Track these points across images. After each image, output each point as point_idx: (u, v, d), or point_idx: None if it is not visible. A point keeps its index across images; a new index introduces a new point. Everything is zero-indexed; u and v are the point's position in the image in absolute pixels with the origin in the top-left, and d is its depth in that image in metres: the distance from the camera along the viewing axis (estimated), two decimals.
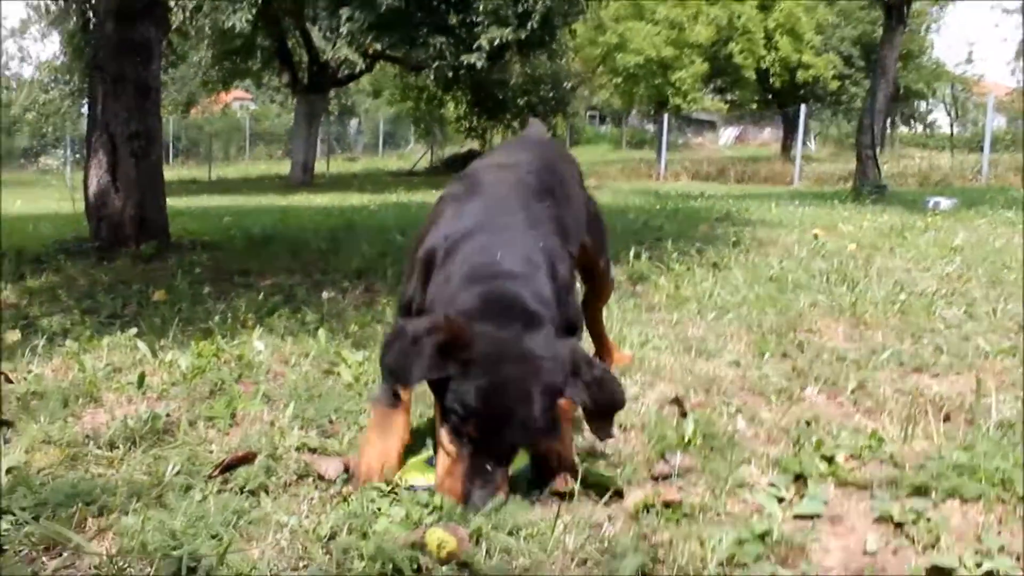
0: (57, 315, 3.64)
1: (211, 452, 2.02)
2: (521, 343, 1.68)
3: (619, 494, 1.79)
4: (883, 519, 1.68)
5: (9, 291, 4.37)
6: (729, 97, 34.08)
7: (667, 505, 1.70)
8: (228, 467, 1.89)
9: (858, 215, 8.32)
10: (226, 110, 43.31)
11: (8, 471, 1.86)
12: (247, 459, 1.93)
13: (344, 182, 23.95)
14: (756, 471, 1.93)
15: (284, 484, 1.84)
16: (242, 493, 1.79)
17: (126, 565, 1.48)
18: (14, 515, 1.63)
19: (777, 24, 29.67)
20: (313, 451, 2.03)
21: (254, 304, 3.89)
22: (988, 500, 1.71)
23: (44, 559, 1.52)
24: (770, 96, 32.71)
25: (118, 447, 2.03)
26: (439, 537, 1.50)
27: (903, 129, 38.03)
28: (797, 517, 1.70)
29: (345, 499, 1.74)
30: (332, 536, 1.58)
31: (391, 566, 1.45)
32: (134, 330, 3.23)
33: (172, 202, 6.98)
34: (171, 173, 18.55)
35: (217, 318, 3.54)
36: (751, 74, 30.24)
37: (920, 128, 37.85)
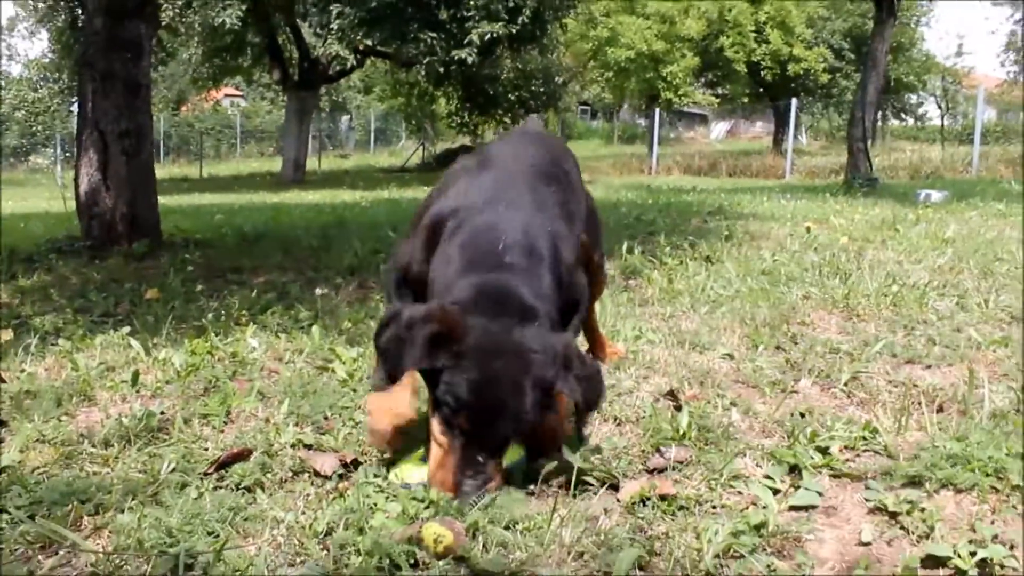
0: (50, 314, 3.63)
1: (206, 449, 2.02)
2: (513, 336, 1.69)
3: (615, 487, 1.80)
4: (877, 510, 1.69)
5: (1, 290, 4.36)
6: (720, 91, 34.10)
7: (663, 498, 1.70)
8: (223, 464, 1.89)
9: (850, 208, 8.34)
10: (217, 107, 43.18)
11: (3, 470, 1.86)
12: (242, 456, 1.93)
13: (336, 179, 23.91)
14: (751, 463, 1.93)
15: (280, 480, 1.84)
16: (238, 490, 1.79)
17: (122, 563, 1.47)
18: (10, 514, 1.63)
19: (768, 17, 29.71)
20: (308, 447, 2.02)
21: (247, 301, 3.88)
22: (982, 490, 1.72)
23: (40, 557, 1.52)
24: (761, 90, 32.76)
25: (113, 445, 2.03)
26: (435, 532, 1.50)
27: (894, 122, 38.12)
28: (792, 508, 1.71)
29: (341, 495, 1.74)
30: (329, 532, 1.58)
31: (388, 561, 1.46)
32: (127, 328, 3.22)
33: (163, 200, 6.95)
34: (162, 171, 18.47)
35: (210, 316, 3.54)
36: (742, 68, 30.27)
37: (911, 121, 37.95)
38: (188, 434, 2.12)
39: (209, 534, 1.56)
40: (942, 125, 33.81)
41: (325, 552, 1.51)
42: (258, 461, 1.89)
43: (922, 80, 34.29)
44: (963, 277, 4.17)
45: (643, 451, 2.00)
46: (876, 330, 3.18)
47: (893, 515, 1.65)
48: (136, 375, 2.59)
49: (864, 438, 2.03)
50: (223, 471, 1.87)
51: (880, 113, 31.33)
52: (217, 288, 4.37)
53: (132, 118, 5.87)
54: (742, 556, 1.49)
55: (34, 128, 35.77)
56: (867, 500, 1.73)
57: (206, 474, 1.86)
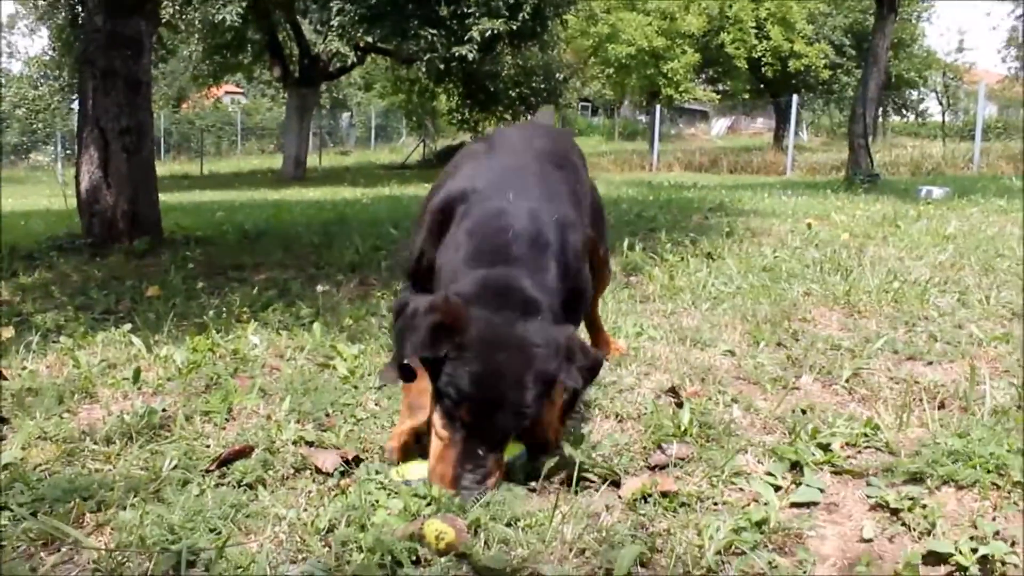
0: (51, 312, 3.63)
1: (208, 446, 2.02)
2: (516, 329, 1.69)
3: (616, 484, 1.80)
4: (879, 506, 1.69)
5: (2, 288, 4.36)
6: (721, 87, 34.07)
7: (664, 494, 1.71)
8: (225, 461, 1.89)
9: (851, 204, 8.33)
10: (217, 104, 43.15)
11: (5, 467, 1.86)
12: (244, 453, 1.93)
13: (336, 176, 23.90)
14: (752, 460, 1.93)
15: (281, 477, 1.85)
16: (240, 487, 1.79)
17: (125, 560, 1.48)
18: (12, 511, 1.64)
19: (768, 13, 29.64)
20: (310, 444, 2.03)
21: (248, 298, 3.88)
22: (983, 486, 1.72)
23: (43, 554, 1.52)
24: (762, 86, 32.72)
25: (115, 442, 2.03)
26: (437, 528, 1.50)
27: (895, 118, 38.08)
28: (793, 505, 1.72)
29: (343, 491, 1.74)
30: (330, 529, 1.58)
31: (390, 558, 1.46)
32: (128, 326, 3.22)
33: (164, 197, 6.95)
34: (163, 168, 18.50)
35: (212, 313, 3.54)
36: (743, 64, 30.22)
37: (912, 117, 37.89)
38: (190, 431, 2.12)
39: (211, 531, 1.57)
40: (943, 121, 33.75)
41: (327, 549, 1.52)
42: (260, 458, 1.89)
43: (923, 76, 34.24)
44: (964, 273, 4.17)
45: (644, 448, 2.00)
46: (877, 326, 3.18)
47: (894, 512, 1.65)
48: (137, 372, 2.59)
49: (865, 435, 2.04)
50: (225, 468, 1.87)
51: (881, 109, 31.30)
52: (218, 285, 4.38)
53: (133, 115, 5.87)
54: (743, 553, 1.49)
55: (35, 126, 35.77)
56: (868, 497, 1.73)
57: (208, 471, 1.86)
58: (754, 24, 29.73)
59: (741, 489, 1.78)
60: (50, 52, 29.08)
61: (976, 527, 1.56)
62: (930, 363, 2.72)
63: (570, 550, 1.51)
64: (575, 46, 31.13)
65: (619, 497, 1.74)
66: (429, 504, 1.65)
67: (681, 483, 1.78)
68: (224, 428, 2.18)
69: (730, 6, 29.72)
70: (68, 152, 30.70)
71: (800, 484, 1.78)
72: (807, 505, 1.72)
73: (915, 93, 36.18)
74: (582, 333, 2.83)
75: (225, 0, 19.74)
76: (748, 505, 1.68)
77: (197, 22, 21.11)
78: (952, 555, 1.46)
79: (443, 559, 1.47)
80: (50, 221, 8.68)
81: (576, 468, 1.78)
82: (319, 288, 4.08)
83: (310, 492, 1.77)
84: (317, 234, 6.47)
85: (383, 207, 9.98)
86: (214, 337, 3.03)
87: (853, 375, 2.55)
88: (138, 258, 5.41)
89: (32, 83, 34.73)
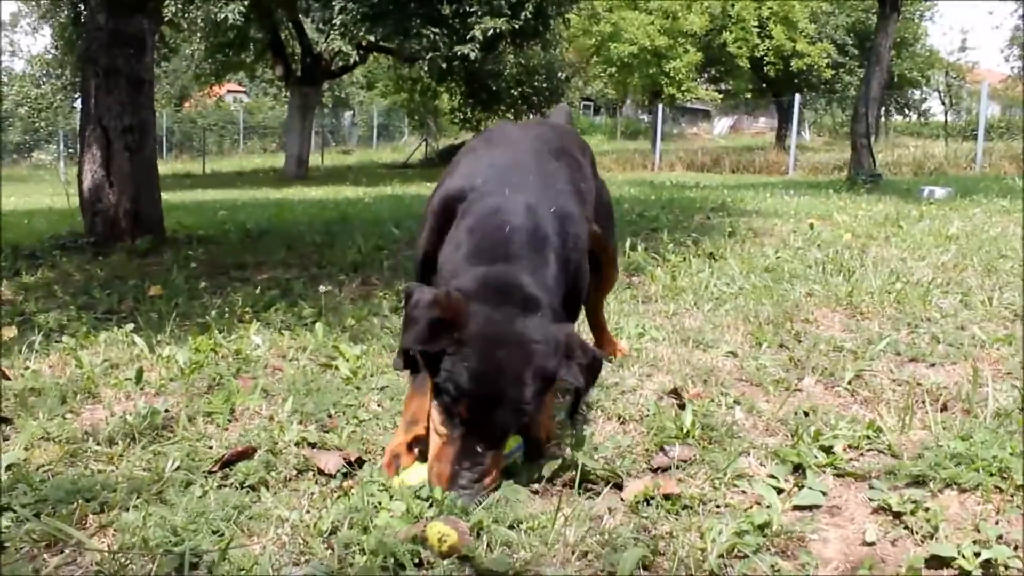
0: (53, 311, 3.63)
1: (210, 447, 2.02)
2: (515, 326, 1.69)
3: (619, 486, 1.80)
4: (881, 509, 1.69)
5: (5, 287, 4.36)
6: (723, 87, 34.04)
7: (667, 497, 1.70)
8: (228, 462, 1.89)
9: (853, 204, 8.33)
10: (219, 103, 43.20)
11: (8, 468, 1.86)
12: (247, 454, 1.93)
13: (338, 175, 23.91)
14: (755, 462, 1.93)
15: (284, 479, 1.85)
16: (242, 488, 1.79)
17: (128, 561, 1.48)
18: (15, 512, 1.64)
19: (771, 13, 29.63)
20: (312, 446, 2.03)
21: (251, 298, 3.89)
22: (986, 489, 1.72)
23: (45, 556, 1.52)
24: (764, 85, 32.68)
25: (117, 443, 2.03)
26: (440, 531, 1.50)
27: (897, 118, 38.04)
28: (796, 508, 1.71)
29: (346, 493, 1.74)
30: (333, 531, 1.58)
31: (392, 560, 1.46)
32: (131, 325, 3.22)
33: (166, 196, 6.96)
34: (165, 167, 18.49)
35: (214, 313, 3.54)
36: (745, 63, 30.20)
37: (914, 116, 37.84)
38: (192, 432, 2.12)
39: (214, 533, 1.57)
40: (946, 121, 33.70)
41: (329, 551, 1.52)
42: (262, 459, 1.89)
43: (926, 76, 34.19)
44: (967, 274, 4.16)
45: (647, 450, 2.00)
46: (880, 328, 3.18)
47: (897, 515, 1.65)
48: (140, 372, 2.59)
49: (868, 437, 2.03)
50: (227, 469, 1.87)
51: (883, 109, 31.22)
52: (220, 285, 4.38)
53: (135, 114, 5.87)
54: (746, 556, 1.49)
55: (37, 124, 35.83)
56: (871, 500, 1.73)
57: (210, 472, 1.86)
58: (756, 23, 29.70)
59: (743, 492, 1.78)
60: (52, 50, 29.15)
61: (979, 531, 1.56)
62: (933, 365, 2.72)
63: (572, 553, 1.51)
64: (577, 45, 31.13)
65: (621, 499, 1.74)
66: (432, 506, 1.65)
67: (683, 485, 1.78)
68: (227, 429, 2.18)
69: (732, 5, 29.70)
70: (71, 151, 30.74)
71: (802, 487, 1.78)
72: (809, 508, 1.71)
73: (918, 93, 36.13)
74: (584, 334, 2.83)
75: None
76: (750, 508, 1.68)
77: (199, 20, 21.14)
78: (955, 559, 1.46)
79: (446, 562, 1.47)
80: (52, 220, 8.69)
81: (579, 470, 1.78)
82: (321, 288, 4.08)
83: (313, 494, 1.77)
84: (319, 233, 6.47)
85: (385, 206, 9.99)
86: (216, 337, 3.03)
87: (855, 377, 2.55)
88: (140, 257, 5.41)
89: (35, 81, 34.81)
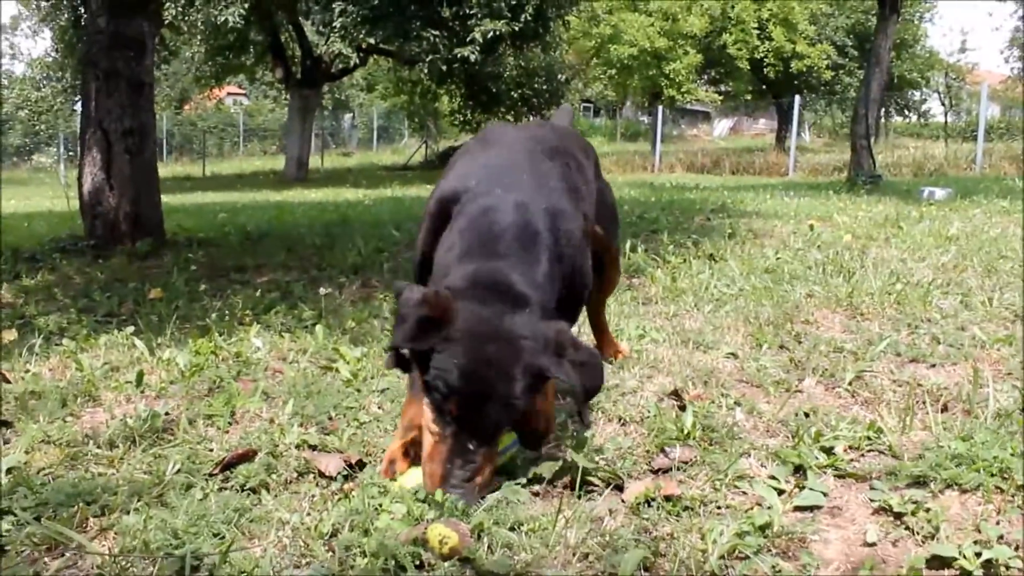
0: (54, 314, 3.63)
1: (211, 450, 2.02)
2: (503, 322, 1.70)
3: (619, 488, 1.80)
4: (882, 510, 1.69)
5: (5, 290, 4.37)
6: (723, 88, 34.05)
7: (667, 498, 1.70)
8: (228, 465, 1.89)
9: (853, 205, 8.33)
10: (219, 106, 43.21)
11: (8, 471, 1.86)
12: (247, 457, 1.93)
13: (338, 177, 23.91)
14: (755, 463, 1.93)
15: (285, 481, 1.85)
16: (243, 491, 1.79)
17: (129, 564, 1.48)
18: (15, 515, 1.64)
19: (771, 14, 29.64)
20: (313, 448, 2.03)
21: (251, 301, 3.89)
22: (986, 490, 1.72)
23: (46, 559, 1.52)
24: (764, 87, 32.70)
25: (118, 446, 2.03)
26: (441, 533, 1.50)
27: (897, 119, 38.04)
28: (797, 509, 1.71)
29: (346, 496, 1.74)
30: (334, 533, 1.58)
31: (393, 563, 1.46)
32: (131, 328, 3.22)
33: (166, 199, 6.96)
34: (165, 170, 18.50)
35: (214, 315, 3.54)
36: (745, 65, 30.21)
37: (914, 118, 37.84)
38: (193, 435, 2.12)
39: (215, 535, 1.57)
40: (946, 122, 33.70)
41: (330, 553, 1.52)
42: (263, 462, 1.89)
43: (925, 77, 34.20)
44: (967, 275, 4.16)
45: (647, 451, 2.00)
46: (880, 329, 3.18)
47: (898, 515, 1.65)
48: (140, 375, 2.59)
49: (868, 438, 2.03)
50: (228, 472, 1.87)
51: (883, 110, 31.21)
52: (221, 287, 4.38)
53: (135, 117, 5.88)
54: (747, 557, 1.49)
55: (37, 127, 35.84)
56: (872, 500, 1.73)
57: (211, 475, 1.86)
58: (756, 25, 29.71)
59: (744, 493, 1.78)
60: (53, 54, 29.15)
61: (980, 531, 1.56)
62: (933, 366, 2.71)
63: (573, 554, 1.51)
64: (577, 47, 31.14)
65: (622, 501, 1.74)
66: (432, 508, 1.65)
67: (684, 487, 1.78)
68: (227, 432, 2.18)
69: (732, 7, 29.71)
70: (71, 154, 30.76)
71: (803, 488, 1.78)
72: (810, 509, 1.71)
73: (917, 94, 36.15)
74: (586, 336, 2.83)
75: (228, 1, 19.76)
76: (751, 509, 1.68)
77: (199, 23, 21.14)
78: (956, 559, 1.46)
79: (447, 564, 1.47)
80: (53, 223, 8.69)
81: (579, 472, 1.78)
82: (321, 290, 4.08)
83: (313, 496, 1.77)
84: (319, 236, 6.47)
85: (385, 208, 9.99)
86: (217, 340, 3.03)
87: (856, 378, 2.55)
88: (140, 260, 5.41)
89: (35, 84, 34.81)
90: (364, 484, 1.77)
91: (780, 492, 1.76)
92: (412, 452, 1.86)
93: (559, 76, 28.45)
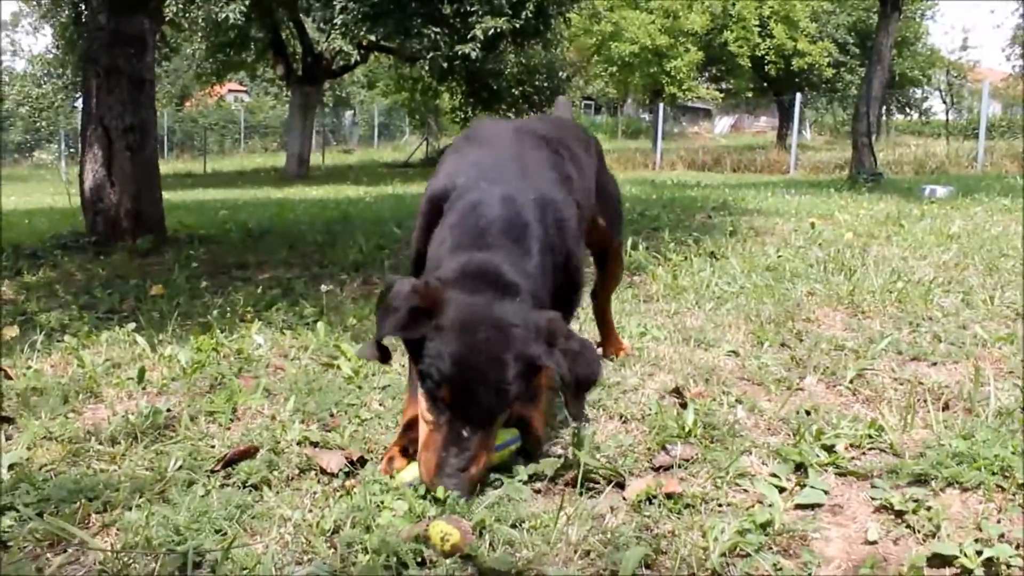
0: (55, 311, 3.64)
1: (213, 447, 2.02)
2: (493, 310, 1.71)
3: (621, 485, 1.80)
4: (883, 508, 1.69)
5: (6, 287, 4.37)
6: (724, 86, 34.02)
7: (669, 496, 1.70)
8: (230, 462, 1.89)
9: (854, 203, 8.32)
10: (220, 103, 43.18)
11: (10, 467, 1.87)
12: (249, 453, 1.93)
13: (339, 174, 23.91)
14: (757, 461, 1.93)
15: (286, 478, 1.85)
16: (245, 487, 1.79)
17: (131, 561, 1.48)
18: (17, 511, 1.64)
19: (772, 12, 29.60)
20: (315, 445, 2.03)
21: (252, 298, 3.89)
22: (988, 488, 1.72)
23: (48, 555, 1.52)
24: (765, 84, 32.68)
25: (120, 442, 2.03)
26: (442, 530, 1.50)
27: (898, 117, 38.00)
28: (798, 507, 1.71)
29: (348, 492, 1.75)
30: (336, 530, 1.59)
31: (395, 559, 1.46)
32: (132, 325, 3.23)
33: (167, 196, 6.96)
34: (166, 167, 18.47)
35: (215, 312, 3.54)
36: (746, 62, 30.18)
37: (915, 115, 37.81)
38: (194, 431, 2.13)
39: (217, 532, 1.57)
40: (947, 120, 33.69)
41: (332, 550, 1.52)
42: (264, 459, 1.90)
43: (927, 74, 34.16)
44: (968, 273, 4.16)
45: (649, 449, 2.00)
46: (881, 327, 3.18)
47: (899, 513, 1.65)
48: (142, 372, 2.60)
49: (870, 436, 2.03)
50: (230, 469, 1.87)
51: (884, 108, 31.14)
52: (222, 284, 4.38)
53: (136, 113, 5.88)
54: (748, 555, 1.49)
55: (38, 124, 35.85)
56: (873, 498, 1.73)
57: (213, 471, 1.86)
58: (757, 22, 29.69)
59: (745, 491, 1.78)
60: (53, 50, 29.18)
61: (981, 529, 1.56)
62: (934, 364, 2.71)
63: (575, 552, 1.51)
64: (578, 44, 31.11)
65: (624, 498, 1.74)
66: (434, 505, 1.65)
67: (685, 484, 1.78)
68: (229, 428, 2.18)
69: (733, 4, 29.68)
70: (72, 150, 30.72)
71: (804, 486, 1.78)
72: (811, 507, 1.71)
73: (919, 91, 36.11)
74: (587, 334, 2.83)
75: None
76: (752, 507, 1.68)
77: (200, 20, 21.14)
78: (957, 557, 1.46)
79: (448, 560, 1.47)
80: (54, 219, 8.69)
81: (580, 469, 1.78)
82: (323, 287, 4.08)
83: (315, 493, 1.77)
84: (320, 233, 6.47)
85: (386, 206, 9.99)
86: (218, 337, 3.04)
87: (857, 376, 2.55)
88: (142, 257, 5.41)
89: (36, 81, 34.84)
90: (366, 481, 1.78)
91: (781, 490, 1.76)
92: (411, 450, 1.87)
93: (560, 73, 28.45)
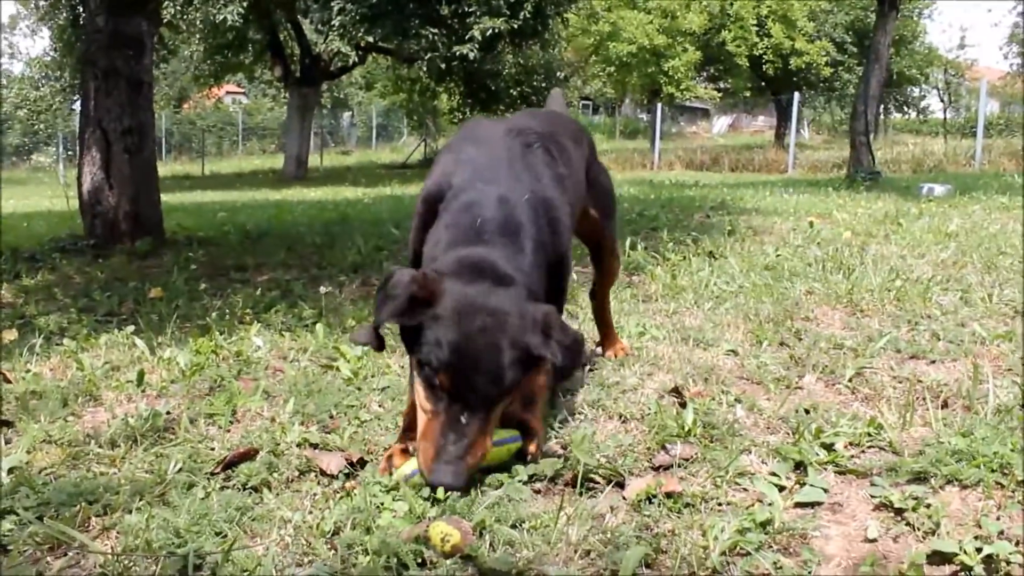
0: (54, 314, 3.64)
1: (212, 449, 2.02)
2: (489, 299, 1.74)
3: (620, 485, 1.80)
4: (883, 506, 1.69)
5: (5, 290, 4.37)
6: (722, 85, 34.04)
7: (669, 495, 1.71)
8: (230, 464, 1.89)
9: (852, 202, 8.33)
10: (218, 104, 43.20)
11: (10, 471, 1.86)
12: (249, 455, 1.93)
13: (338, 175, 23.91)
14: (756, 460, 1.93)
15: (286, 480, 1.85)
16: (245, 490, 1.79)
17: (131, 564, 1.48)
18: (17, 515, 1.64)
19: (769, 11, 29.63)
20: (314, 447, 2.03)
21: (251, 300, 3.89)
22: (987, 485, 1.72)
23: (49, 559, 1.52)
24: (763, 84, 32.70)
25: (119, 445, 2.03)
26: (443, 530, 1.50)
27: (896, 115, 38.03)
28: (798, 505, 1.71)
29: (348, 494, 1.75)
30: (336, 531, 1.59)
31: (395, 560, 1.46)
32: (132, 328, 3.22)
33: (166, 198, 6.96)
34: (164, 169, 18.50)
35: (215, 314, 3.54)
36: (744, 62, 30.20)
37: (913, 114, 37.83)
38: (194, 434, 2.13)
39: (217, 534, 1.57)
40: (945, 118, 33.70)
41: (333, 552, 1.52)
42: (264, 461, 1.90)
43: (925, 73, 34.18)
44: (967, 271, 4.17)
45: (648, 448, 2.00)
46: (880, 325, 3.18)
47: (899, 511, 1.65)
48: (141, 375, 2.59)
49: (869, 434, 2.03)
50: (230, 471, 1.87)
51: (882, 107, 31.19)
52: (221, 286, 4.38)
53: (134, 115, 5.88)
54: (748, 553, 1.50)
55: (36, 126, 35.83)
56: (872, 496, 1.73)
57: (213, 474, 1.86)
58: (755, 22, 29.71)
59: (745, 489, 1.78)
60: (51, 53, 29.16)
61: (980, 526, 1.56)
62: (933, 362, 2.72)
63: (575, 551, 1.51)
64: (576, 44, 31.12)
65: (623, 498, 1.74)
66: (434, 506, 1.65)
67: (685, 484, 1.79)
68: (228, 431, 2.18)
69: (731, 4, 29.70)
70: (70, 153, 30.75)
71: (804, 484, 1.78)
72: (811, 505, 1.71)
73: (917, 90, 36.10)
74: (586, 333, 2.83)
75: (226, 0, 19.75)
76: (752, 505, 1.68)
77: (198, 22, 21.15)
78: (956, 555, 1.46)
79: (449, 561, 1.47)
80: (52, 222, 8.69)
81: (580, 469, 1.78)
82: (322, 289, 4.08)
83: (315, 495, 1.77)
84: (319, 234, 6.47)
85: (385, 207, 9.99)
86: (217, 339, 3.04)
87: (856, 374, 2.55)
88: (140, 259, 5.41)
89: (34, 84, 34.81)
90: (366, 482, 1.78)
91: (781, 488, 1.76)
92: (412, 450, 1.87)
93: (558, 74, 28.46)
